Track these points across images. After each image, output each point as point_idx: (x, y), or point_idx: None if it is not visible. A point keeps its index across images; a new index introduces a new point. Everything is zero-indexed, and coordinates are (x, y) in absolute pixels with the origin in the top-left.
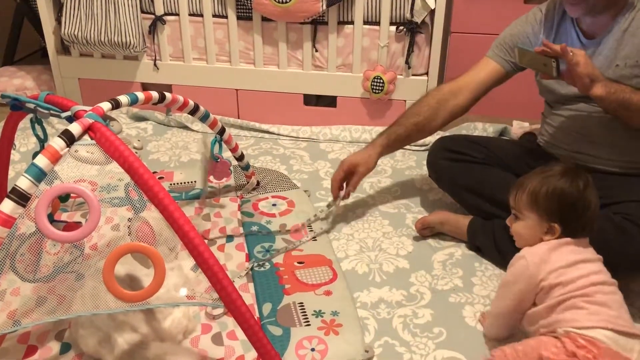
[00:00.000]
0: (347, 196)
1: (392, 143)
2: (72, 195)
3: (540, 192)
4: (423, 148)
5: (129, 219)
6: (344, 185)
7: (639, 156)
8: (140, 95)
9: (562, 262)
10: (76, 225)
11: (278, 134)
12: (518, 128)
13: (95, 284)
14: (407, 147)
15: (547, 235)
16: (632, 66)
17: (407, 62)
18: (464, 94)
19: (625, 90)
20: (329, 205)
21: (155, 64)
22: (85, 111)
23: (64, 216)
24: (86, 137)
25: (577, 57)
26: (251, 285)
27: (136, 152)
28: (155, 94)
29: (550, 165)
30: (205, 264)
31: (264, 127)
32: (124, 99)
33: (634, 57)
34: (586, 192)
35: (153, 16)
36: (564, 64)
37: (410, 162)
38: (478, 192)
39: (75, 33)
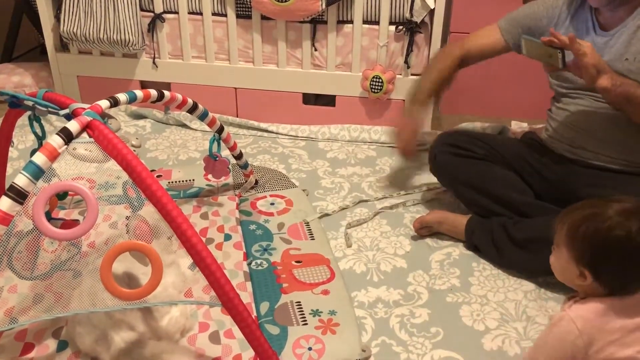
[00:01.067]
0: None
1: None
2: (70, 192)
3: (579, 230)
4: (422, 148)
5: (127, 217)
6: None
7: (638, 155)
8: (139, 93)
9: (620, 331)
10: (74, 223)
11: (277, 133)
12: (517, 128)
13: (93, 282)
14: None
15: (579, 279)
16: None
17: (406, 61)
18: (471, 60)
19: (631, 84)
20: None
21: (154, 62)
22: (84, 109)
23: (61, 214)
24: (84, 134)
25: (584, 47)
26: (249, 284)
27: (134, 150)
28: (153, 92)
29: (607, 198)
30: (203, 263)
31: (263, 125)
32: (122, 96)
33: None
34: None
35: (152, 14)
36: (570, 55)
37: (409, 162)
38: (478, 188)
39: (74, 30)
